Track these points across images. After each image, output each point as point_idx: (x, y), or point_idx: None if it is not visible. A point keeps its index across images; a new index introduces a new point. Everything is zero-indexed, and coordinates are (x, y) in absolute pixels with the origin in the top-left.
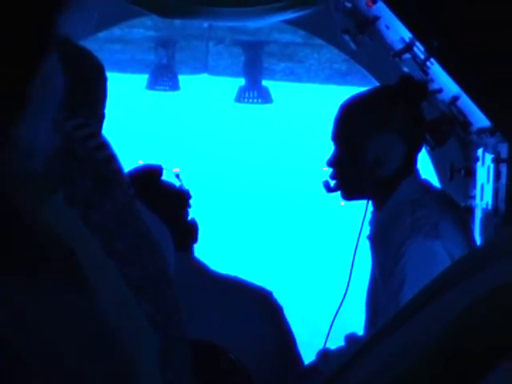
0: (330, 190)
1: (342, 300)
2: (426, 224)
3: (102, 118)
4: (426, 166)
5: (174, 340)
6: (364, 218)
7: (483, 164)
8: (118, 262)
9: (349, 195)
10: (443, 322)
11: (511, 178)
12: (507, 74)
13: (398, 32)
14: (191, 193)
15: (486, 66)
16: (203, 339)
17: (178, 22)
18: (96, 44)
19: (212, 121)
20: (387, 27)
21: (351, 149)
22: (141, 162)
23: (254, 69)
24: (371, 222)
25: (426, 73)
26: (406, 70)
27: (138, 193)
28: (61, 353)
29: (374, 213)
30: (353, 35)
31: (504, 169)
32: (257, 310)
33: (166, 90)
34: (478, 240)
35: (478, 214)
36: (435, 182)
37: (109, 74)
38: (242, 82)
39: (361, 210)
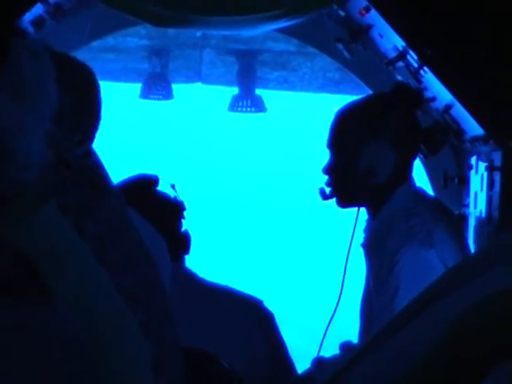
0: (325, 197)
1: (335, 309)
2: (420, 232)
3: (96, 127)
4: (419, 174)
5: (166, 347)
6: (355, 227)
7: (477, 172)
8: (111, 271)
9: (344, 203)
10: (438, 330)
11: (505, 186)
12: (500, 83)
13: (391, 40)
14: (185, 202)
15: (480, 74)
16: (195, 347)
17: (171, 30)
18: (89, 53)
19: (205, 129)
20: (380, 36)
21: (345, 156)
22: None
23: (248, 78)
24: (365, 230)
25: (419, 81)
26: (399, 78)
27: (132, 202)
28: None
29: (368, 221)
30: (346, 44)
31: (497, 177)
32: (247, 319)
33: (159, 99)
34: (472, 248)
35: (472, 222)
36: (429, 190)
37: (102, 83)
38: (235, 90)
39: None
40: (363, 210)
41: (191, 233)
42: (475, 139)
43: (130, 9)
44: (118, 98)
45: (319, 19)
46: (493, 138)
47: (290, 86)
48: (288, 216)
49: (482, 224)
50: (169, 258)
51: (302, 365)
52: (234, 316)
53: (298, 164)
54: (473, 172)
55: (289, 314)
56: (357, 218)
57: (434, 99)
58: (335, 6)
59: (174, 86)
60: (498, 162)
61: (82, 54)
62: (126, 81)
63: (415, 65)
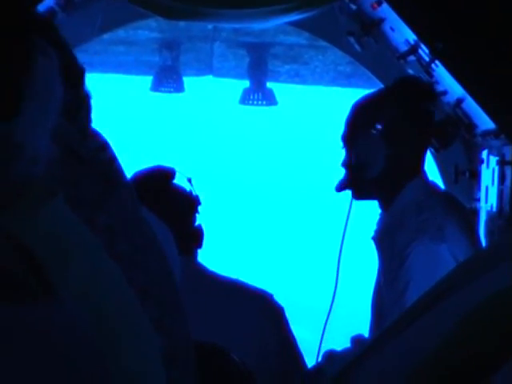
0: (339, 189)
1: (332, 303)
2: (431, 226)
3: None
4: (430, 168)
5: (178, 342)
6: (347, 220)
7: (488, 166)
8: (122, 265)
9: (358, 195)
10: (449, 324)
11: None
12: None
13: (402, 34)
14: (200, 197)
15: (491, 68)
16: (206, 341)
17: (182, 23)
18: (100, 46)
19: (216, 123)
20: (392, 29)
21: (357, 150)
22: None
23: (259, 71)
24: (378, 223)
25: (430, 75)
26: (410, 72)
27: (149, 193)
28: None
29: (381, 214)
30: (357, 37)
31: (508, 171)
32: (258, 312)
33: (170, 92)
34: (483, 242)
35: (483, 217)
36: (440, 184)
37: (113, 76)
38: (246, 83)
39: (369, 213)
40: (362, 203)
41: (204, 226)
42: (486, 133)
43: (140, 1)
44: (129, 91)
45: (331, 12)
46: (504, 132)
47: (302, 80)
48: (299, 209)
49: (492, 218)
50: (176, 252)
51: (311, 359)
52: (244, 310)
53: (308, 157)
54: (484, 166)
55: (299, 308)
56: (349, 212)
57: (445, 93)
58: (347, 0)
59: (185, 79)
60: (508, 156)
61: (93, 47)
62: (137, 73)
63: (427, 59)
